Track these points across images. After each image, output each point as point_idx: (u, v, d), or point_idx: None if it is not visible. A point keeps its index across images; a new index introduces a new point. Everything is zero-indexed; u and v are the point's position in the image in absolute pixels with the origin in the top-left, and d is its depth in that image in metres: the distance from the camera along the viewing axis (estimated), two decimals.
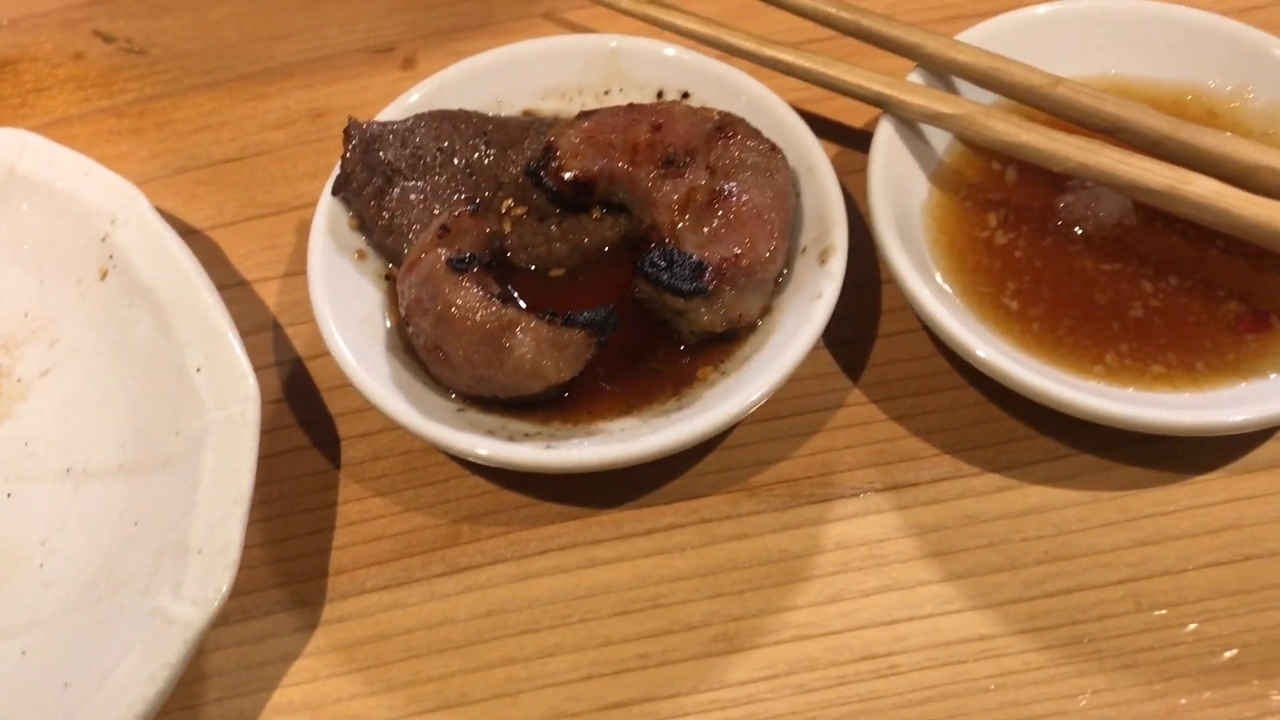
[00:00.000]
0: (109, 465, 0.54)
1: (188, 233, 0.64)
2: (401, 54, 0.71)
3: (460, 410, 0.53)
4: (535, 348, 0.51)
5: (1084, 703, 0.48)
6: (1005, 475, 0.54)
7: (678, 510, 0.54)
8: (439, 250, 0.54)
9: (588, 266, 0.58)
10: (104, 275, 0.58)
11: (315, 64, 0.70)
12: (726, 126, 0.57)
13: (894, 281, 0.54)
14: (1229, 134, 0.55)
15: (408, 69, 0.70)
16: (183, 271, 0.56)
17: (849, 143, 0.64)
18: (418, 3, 0.73)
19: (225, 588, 0.48)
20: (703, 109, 0.58)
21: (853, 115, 0.65)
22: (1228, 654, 0.49)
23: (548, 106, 0.63)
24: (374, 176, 0.58)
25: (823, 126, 0.64)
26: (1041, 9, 0.61)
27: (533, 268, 0.58)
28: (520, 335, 0.51)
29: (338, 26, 0.72)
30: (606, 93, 0.63)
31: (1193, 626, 0.50)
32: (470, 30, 0.71)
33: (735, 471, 0.55)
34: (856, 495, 0.54)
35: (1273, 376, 0.52)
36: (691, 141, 0.57)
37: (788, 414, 0.56)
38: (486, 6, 0.72)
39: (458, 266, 0.53)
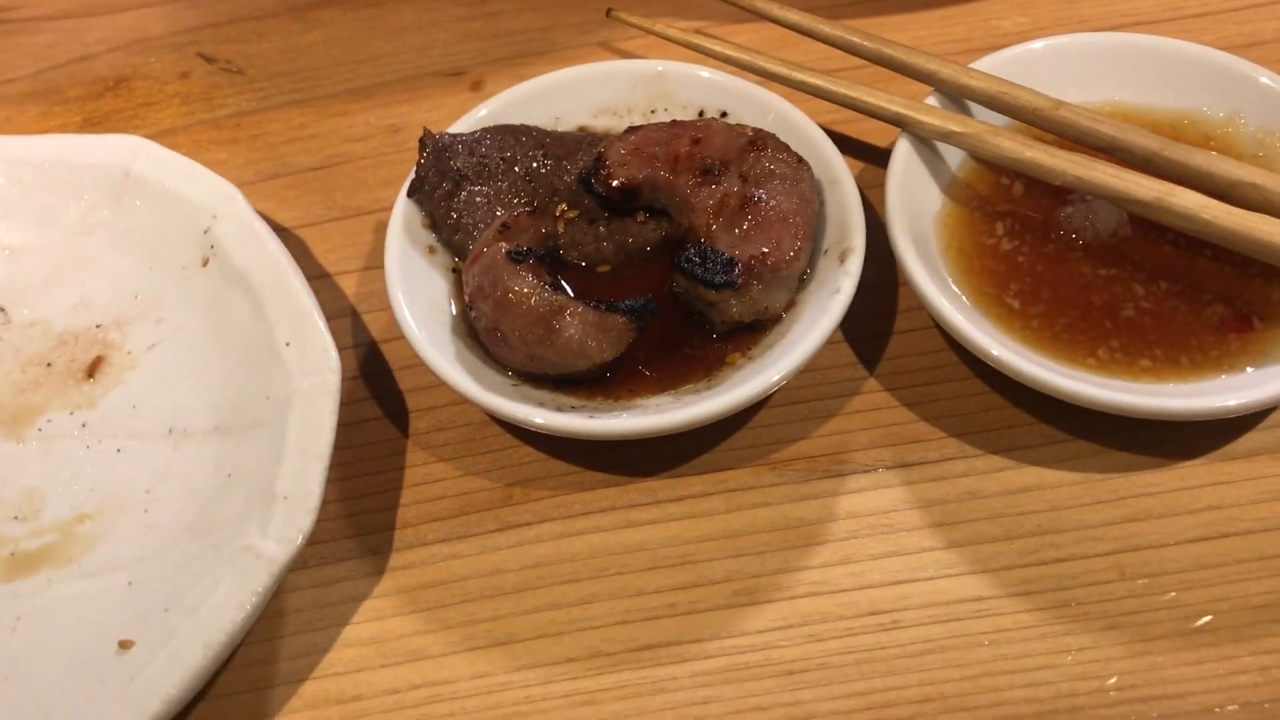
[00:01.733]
0: (206, 426, 0.61)
1: (278, 231, 0.71)
2: (471, 77, 0.78)
3: (515, 386, 0.60)
4: (582, 330, 0.57)
5: (1070, 659, 0.53)
6: (1005, 457, 0.59)
7: (706, 480, 0.60)
8: (500, 244, 0.61)
9: (631, 264, 0.64)
10: (205, 263, 0.66)
11: (394, 85, 0.78)
12: (758, 141, 0.63)
13: (908, 284, 0.60)
14: (1214, 152, 0.61)
15: (476, 90, 0.77)
16: (275, 260, 0.63)
17: (872, 160, 0.70)
18: (486, 31, 0.81)
19: (306, 529, 0.54)
20: (738, 125, 0.65)
21: (876, 136, 0.71)
22: (1203, 620, 0.54)
23: (600, 123, 0.70)
24: (444, 181, 0.65)
25: (849, 145, 0.71)
26: (1044, 42, 0.67)
27: (583, 264, 0.64)
28: (569, 318, 0.58)
29: (414, 52, 0.80)
30: (653, 111, 0.70)
31: (1172, 595, 0.55)
32: (533, 56, 0.79)
33: (759, 448, 0.61)
34: (868, 471, 0.59)
35: (1250, 370, 0.57)
36: (726, 154, 0.63)
37: (809, 399, 0.62)
38: (548, 36, 0.80)
39: (516, 258, 0.60)
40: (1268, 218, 0.57)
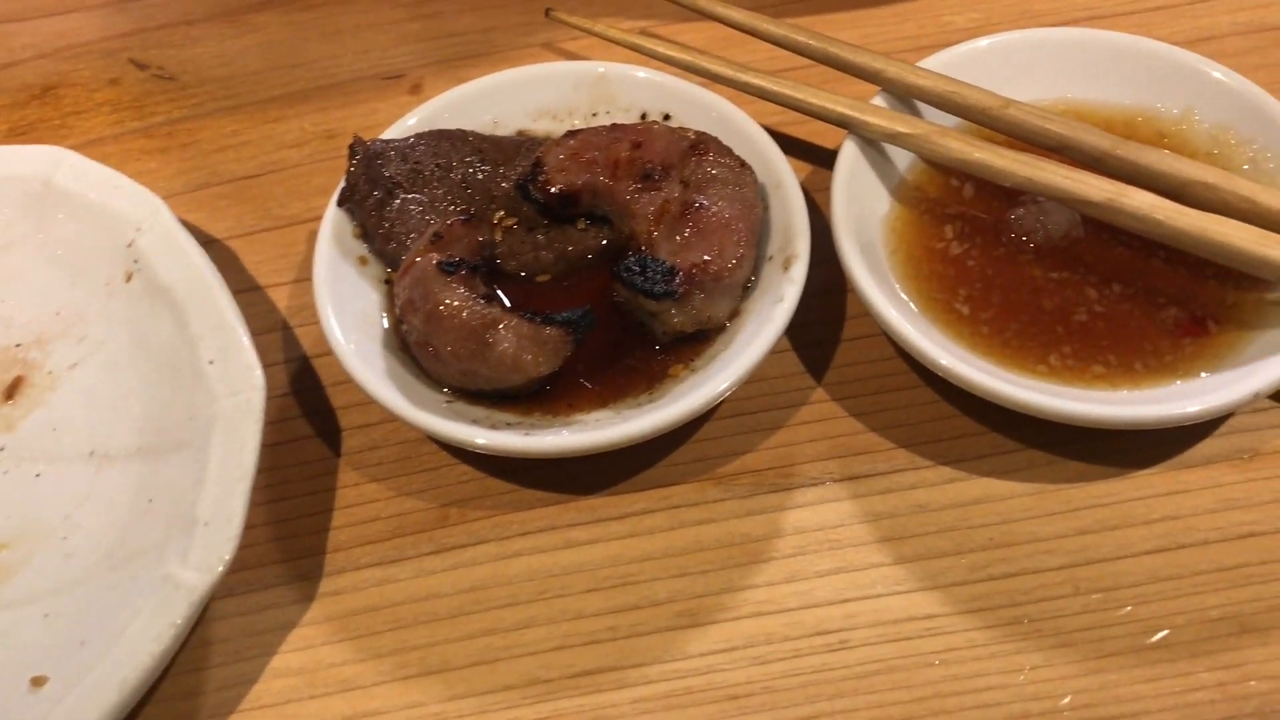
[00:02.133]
0: (128, 448, 0.59)
1: (208, 242, 0.69)
2: (410, 80, 0.76)
3: (449, 403, 0.58)
4: (516, 343, 0.55)
5: (1022, 678, 0.52)
6: (955, 468, 0.57)
7: (649, 497, 0.58)
8: (431, 255, 0.59)
9: (572, 273, 0.62)
10: (129, 278, 0.63)
11: (329, 90, 0.76)
12: (700, 145, 0.61)
13: (854, 290, 0.58)
14: (1166, 151, 0.59)
15: (415, 94, 0.75)
16: (200, 274, 0.61)
17: (820, 162, 0.68)
18: (425, 33, 0.78)
19: (228, 556, 0.52)
20: (680, 129, 0.63)
21: (823, 137, 0.69)
22: (1159, 635, 0.52)
23: (540, 127, 0.68)
24: (376, 189, 0.63)
25: (795, 147, 0.69)
26: (992, 39, 0.65)
27: (522, 274, 0.62)
28: (502, 331, 0.55)
29: (351, 56, 0.78)
30: (595, 115, 0.68)
31: (1127, 609, 0.53)
32: (473, 58, 0.76)
33: (704, 462, 0.59)
34: (816, 485, 0.58)
35: (1204, 375, 0.55)
36: (668, 158, 0.61)
37: (755, 410, 0.60)
38: (489, 37, 0.78)
39: (448, 269, 0.57)
40: (1220, 218, 0.56)
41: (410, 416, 0.55)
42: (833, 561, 0.55)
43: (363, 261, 0.62)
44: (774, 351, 0.57)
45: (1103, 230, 0.60)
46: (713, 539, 0.56)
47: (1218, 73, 0.63)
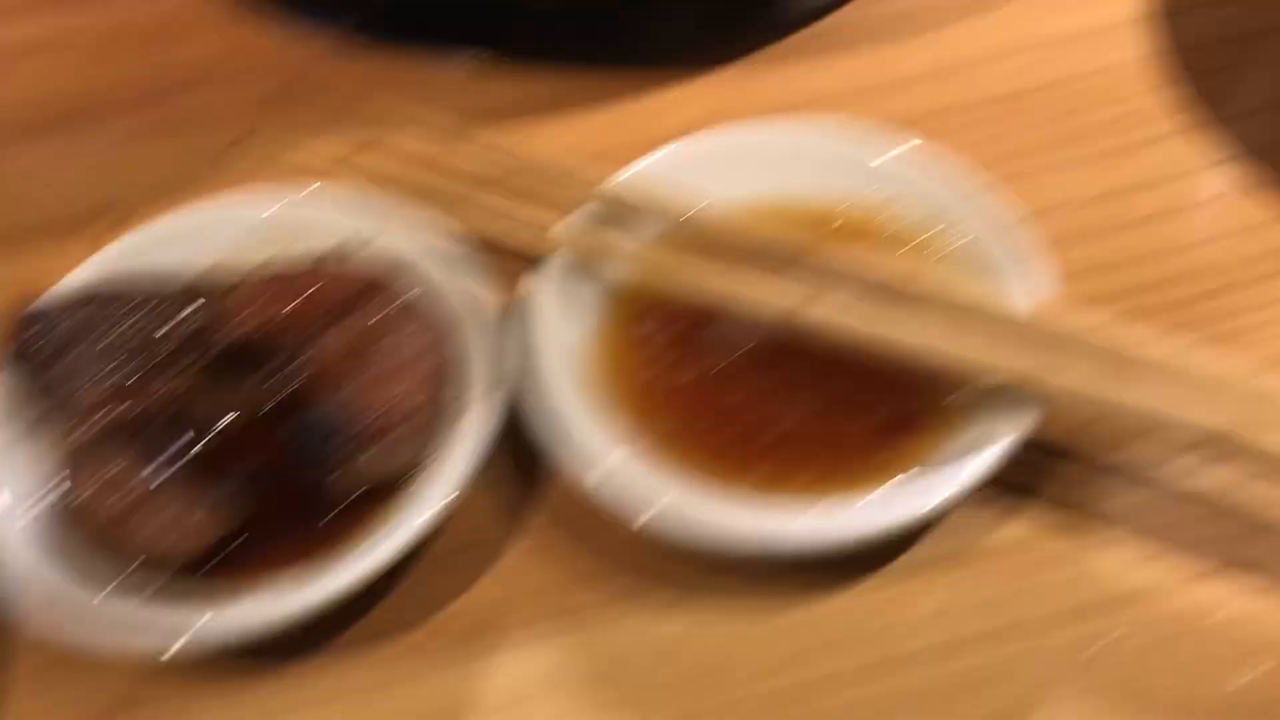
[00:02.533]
0: None
1: None
2: (107, 220, 0.71)
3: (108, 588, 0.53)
4: (159, 527, 0.52)
5: None
6: (666, 599, 0.54)
7: (331, 677, 0.54)
8: (92, 421, 0.55)
9: (256, 424, 0.58)
10: None
11: (10, 238, 0.71)
12: (382, 281, 0.58)
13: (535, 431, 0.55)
14: (862, 250, 0.58)
15: (108, 235, 0.69)
16: None
17: (517, 286, 0.64)
18: (123, 167, 0.74)
19: None
20: (361, 266, 0.60)
21: (523, 260, 0.65)
22: None
23: (229, 265, 0.63)
24: (43, 352, 0.58)
25: (499, 265, 0.64)
26: (696, 140, 0.64)
27: (203, 428, 0.58)
28: (144, 516, 0.52)
29: (37, 199, 0.73)
30: (287, 247, 0.63)
31: None
32: (174, 194, 0.71)
33: (401, 624, 0.55)
34: (526, 625, 0.54)
35: (908, 477, 0.53)
36: (348, 299, 0.58)
37: (455, 555, 0.56)
38: (191, 169, 0.73)
39: (110, 439, 0.54)
40: (914, 322, 0.54)
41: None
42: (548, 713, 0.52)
43: (34, 428, 0.58)
44: (474, 489, 0.54)
45: (802, 337, 0.58)
46: (411, 712, 0.52)
47: (919, 161, 0.62)
